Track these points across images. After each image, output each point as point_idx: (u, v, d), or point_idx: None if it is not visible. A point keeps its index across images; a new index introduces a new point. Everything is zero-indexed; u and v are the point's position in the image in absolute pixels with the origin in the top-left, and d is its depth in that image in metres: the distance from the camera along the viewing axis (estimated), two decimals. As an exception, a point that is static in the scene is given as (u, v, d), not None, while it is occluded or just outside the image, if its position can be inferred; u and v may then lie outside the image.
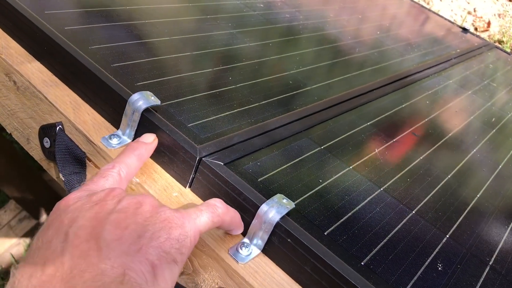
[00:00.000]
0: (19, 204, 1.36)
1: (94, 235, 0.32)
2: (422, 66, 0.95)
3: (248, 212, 0.44)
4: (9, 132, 0.58)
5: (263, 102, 0.60)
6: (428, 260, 0.46)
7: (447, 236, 0.51)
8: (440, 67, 1.01)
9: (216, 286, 0.44)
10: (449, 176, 0.62)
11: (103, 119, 0.52)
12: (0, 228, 1.36)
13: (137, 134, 0.49)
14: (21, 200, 1.33)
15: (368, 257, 0.43)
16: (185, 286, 0.45)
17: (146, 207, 0.35)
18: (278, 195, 0.45)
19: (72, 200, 0.36)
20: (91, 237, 0.32)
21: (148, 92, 0.49)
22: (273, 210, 0.43)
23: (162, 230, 0.34)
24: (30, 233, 1.38)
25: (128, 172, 0.42)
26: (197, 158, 0.46)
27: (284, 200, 0.44)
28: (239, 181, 0.45)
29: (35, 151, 0.55)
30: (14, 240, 1.35)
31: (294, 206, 0.44)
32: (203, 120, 0.52)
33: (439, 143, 0.69)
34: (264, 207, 0.43)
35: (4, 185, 1.25)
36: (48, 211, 1.39)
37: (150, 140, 0.47)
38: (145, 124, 0.48)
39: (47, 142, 0.52)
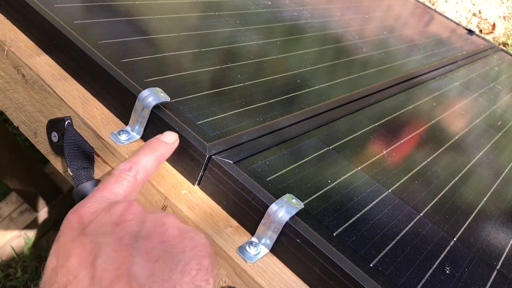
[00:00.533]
0: (21, 196, 1.36)
1: (124, 270, 0.30)
2: (428, 67, 0.95)
3: (257, 211, 0.44)
4: (16, 125, 0.58)
5: (272, 100, 0.60)
6: (436, 263, 0.46)
7: (455, 239, 0.51)
8: (446, 68, 1.01)
9: (224, 285, 0.44)
10: (456, 179, 0.62)
11: (112, 115, 0.51)
12: (1, 220, 1.36)
13: (146, 131, 0.49)
14: (23, 192, 1.33)
15: (376, 259, 0.43)
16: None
17: (172, 230, 0.34)
18: (288, 195, 0.45)
19: (87, 215, 0.34)
20: (121, 273, 0.30)
21: (158, 89, 0.49)
22: (282, 210, 0.42)
23: (193, 261, 0.32)
24: (31, 226, 1.38)
25: (144, 175, 0.40)
26: (207, 156, 0.45)
27: (294, 200, 0.44)
28: (248, 180, 0.45)
29: (43, 145, 0.55)
30: (15, 233, 1.35)
31: (303, 206, 0.44)
32: (212, 118, 0.52)
33: (446, 146, 0.69)
34: (273, 207, 0.43)
35: (6, 177, 1.25)
36: (49, 204, 1.39)
37: (171, 140, 0.44)
38: (155, 120, 0.48)
39: (55, 137, 0.52)
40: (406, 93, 0.80)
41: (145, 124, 0.49)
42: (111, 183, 0.38)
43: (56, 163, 0.55)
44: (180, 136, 0.47)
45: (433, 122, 0.75)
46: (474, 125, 0.81)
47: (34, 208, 1.38)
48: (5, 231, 1.35)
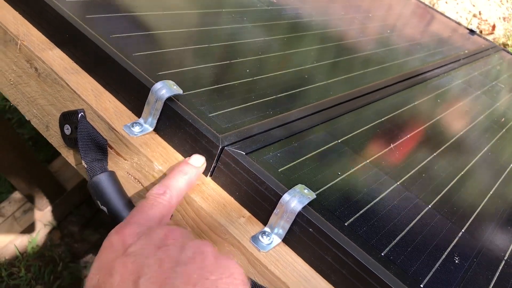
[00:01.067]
0: (24, 195, 1.36)
1: None
2: (432, 65, 0.96)
3: (269, 202, 0.44)
4: (28, 119, 0.58)
5: (280, 95, 0.60)
6: (445, 253, 0.47)
7: (463, 230, 0.52)
8: (449, 67, 1.02)
9: (237, 274, 0.44)
10: (462, 172, 0.63)
11: (124, 107, 0.52)
12: (4, 219, 1.36)
13: (159, 123, 0.50)
14: (26, 191, 1.33)
15: (387, 248, 0.44)
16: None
17: (210, 258, 0.35)
18: (300, 185, 0.45)
19: (128, 237, 0.36)
20: None
21: (171, 81, 0.50)
22: (295, 200, 0.43)
23: (229, 287, 0.34)
24: (34, 225, 1.38)
25: (177, 199, 0.42)
26: (220, 147, 0.46)
27: (305, 191, 0.45)
28: (261, 170, 0.45)
29: (54, 138, 0.56)
30: (18, 231, 1.36)
31: (315, 196, 0.45)
32: (223, 111, 0.52)
33: (451, 140, 0.70)
34: (286, 197, 0.43)
35: (10, 176, 1.25)
36: (52, 203, 1.40)
37: (200, 163, 0.46)
38: (168, 113, 0.49)
39: (67, 129, 0.52)
40: (410, 90, 0.81)
41: (158, 116, 0.50)
42: (147, 207, 0.39)
43: (68, 156, 0.55)
44: (193, 128, 0.47)
45: (438, 118, 0.75)
46: (478, 121, 0.81)
47: (38, 207, 1.39)
48: (9, 230, 1.35)
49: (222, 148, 0.46)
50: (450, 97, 0.86)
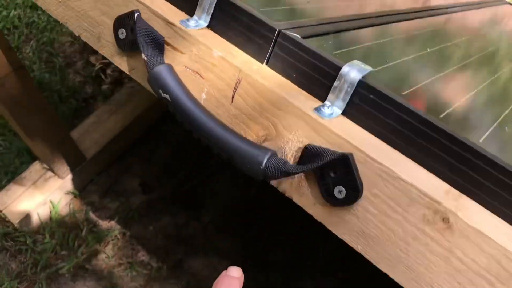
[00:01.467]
0: (45, 163, 1.37)
1: None
2: (447, 5, 0.98)
3: (329, 76, 0.46)
4: (77, 35, 0.60)
5: (320, 5, 0.63)
6: (497, 122, 0.49)
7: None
8: (464, 8, 1.05)
9: (301, 145, 0.46)
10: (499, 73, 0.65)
11: (176, 9, 0.54)
12: (26, 188, 1.38)
13: (213, 19, 0.52)
14: (48, 158, 1.34)
15: (445, 112, 0.46)
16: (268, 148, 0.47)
17: None
18: (356, 60, 0.47)
19: None
20: None
21: (222, -20, 0.52)
22: (354, 70, 0.45)
23: None
24: (56, 193, 1.39)
25: None
26: (277, 30, 0.48)
27: (362, 65, 0.47)
28: (318, 49, 0.47)
29: (106, 49, 0.57)
30: (40, 200, 1.37)
31: (372, 69, 0.47)
32: (273, 8, 0.54)
33: (482, 53, 0.73)
34: (345, 68, 0.45)
35: (34, 141, 1.26)
36: (73, 171, 1.41)
37: (239, 274, 0.45)
38: (222, 7, 0.51)
39: (122, 33, 0.54)
40: (434, 17, 0.83)
41: (212, 12, 0.51)
42: None
43: (122, 63, 0.57)
44: (248, 15, 0.49)
45: (467, 37, 0.78)
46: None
47: (59, 175, 1.40)
48: (30, 199, 1.36)
49: (279, 32, 0.48)
50: (471, 25, 0.89)
